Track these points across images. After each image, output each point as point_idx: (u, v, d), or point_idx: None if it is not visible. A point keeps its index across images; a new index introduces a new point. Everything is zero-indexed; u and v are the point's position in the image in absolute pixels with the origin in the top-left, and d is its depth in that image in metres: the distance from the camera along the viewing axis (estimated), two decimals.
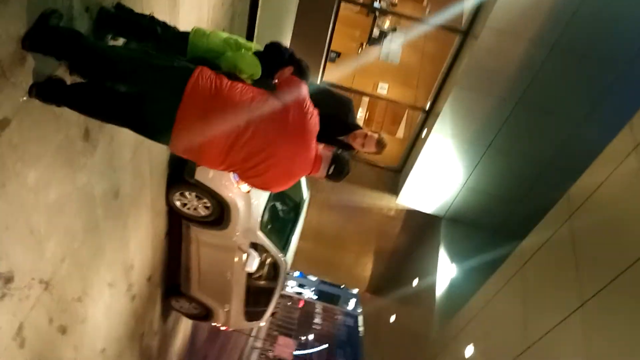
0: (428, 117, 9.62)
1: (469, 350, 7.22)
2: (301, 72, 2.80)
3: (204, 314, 6.89)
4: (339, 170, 2.69)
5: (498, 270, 7.22)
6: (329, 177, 2.69)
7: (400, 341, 11.28)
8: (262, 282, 6.45)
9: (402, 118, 12.01)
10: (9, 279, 2.77)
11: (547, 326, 5.49)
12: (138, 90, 2.39)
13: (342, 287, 47.40)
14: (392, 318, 12.48)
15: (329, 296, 48.11)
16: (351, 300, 47.29)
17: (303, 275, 47.48)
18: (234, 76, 2.57)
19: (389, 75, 12.31)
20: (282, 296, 36.00)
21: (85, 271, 3.79)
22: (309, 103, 2.60)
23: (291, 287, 45.86)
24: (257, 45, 3.18)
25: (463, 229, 10.24)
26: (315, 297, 48.43)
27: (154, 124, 2.43)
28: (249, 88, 2.49)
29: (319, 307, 46.25)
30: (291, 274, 39.12)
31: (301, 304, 44.43)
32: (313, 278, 48.45)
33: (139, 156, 4.07)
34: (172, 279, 6.43)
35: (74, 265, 3.54)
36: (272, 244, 5.82)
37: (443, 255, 9.79)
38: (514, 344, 5.98)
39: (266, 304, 6.86)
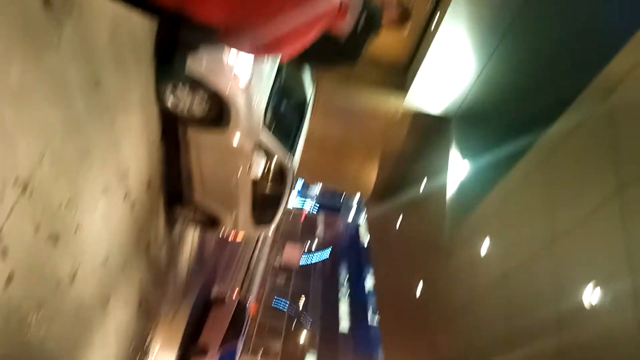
0: (438, 5, 8.76)
1: (486, 247, 7.02)
2: None
3: (210, 221, 6.57)
4: (370, 21, 2.09)
5: (520, 161, 6.81)
6: (355, 32, 2.10)
7: (409, 244, 11.22)
8: (269, 187, 6.06)
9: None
10: None
11: (579, 215, 5.16)
12: None
13: (342, 199, 48.09)
14: (399, 223, 12.38)
15: (330, 208, 48.83)
16: (351, 212, 48.09)
17: (302, 190, 47.97)
18: None
19: None
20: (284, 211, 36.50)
21: (71, 174, 3.32)
22: None
23: (292, 202, 46.43)
24: None
25: (475, 128, 9.74)
26: (317, 209, 49.15)
27: None
28: None
29: (320, 219, 47.07)
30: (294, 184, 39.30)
31: (302, 218, 45.18)
32: (313, 192, 48.96)
33: (118, 38, 3.46)
34: (174, 187, 6.03)
35: (56, 166, 3.06)
36: (277, 144, 5.34)
37: (454, 154, 9.38)
38: (539, 236, 5.71)
39: (274, 208, 6.53)
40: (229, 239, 16.47)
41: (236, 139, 4.97)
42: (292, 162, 5.68)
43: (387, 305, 13.34)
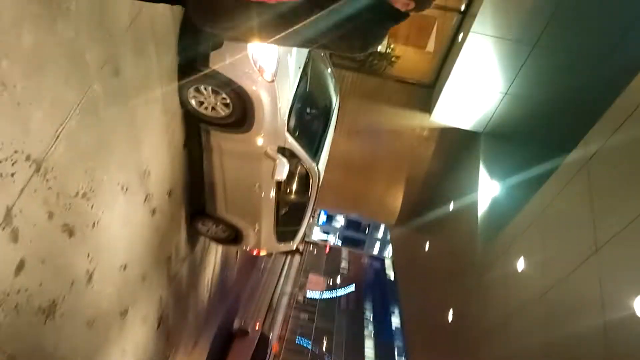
0: (464, 19, 8.63)
1: (522, 263, 6.61)
2: None
3: (233, 237, 6.35)
4: None
5: (555, 174, 6.50)
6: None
7: (439, 267, 10.77)
8: (292, 196, 5.85)
9: (431, 29, 10.99)
10: None
11: (623, 222, 4.79)
12: None
13: (366, 232, 47.54)
14: (427, 246, 11.95)
15: (354, 241, 48.24)
16: (376, 245, 47.37)
17: (327, 223, 47.59)
18: None
19: None
20: (308, 243, 36.11)
21: (89, 163, 3.17)
22: None
23: (316, 235, 46.03)
24: None
25: (505, 143, 9.44)
26: (340, 242, 48.58)
27: None
28: None
29: (344, 252, 46.43)
30: (317, 215, 38.82)
31: (327, 250, 44.63)
32: (338, 225, 48.53)
33: (140, 26, 3.36)
34: (196, 199, 5.87)
35: (73, 150, 2.92)
36: (302, 150, 5.15)
37: (483, 172, 9.05)
38: (580, 247, 5.32)
39: (298, 222, 6.29)
40: (252, 265, 16.18)
41: (260, 141, 4.80)
42: (317, 169, 5.47)
43: (416, 334, 12.76)
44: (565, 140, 7.57)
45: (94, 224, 3.45)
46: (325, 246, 44.26)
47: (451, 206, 10.35)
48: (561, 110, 8.75)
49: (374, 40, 2.19)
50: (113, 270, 4.07)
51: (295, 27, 2.11)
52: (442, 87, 9.10)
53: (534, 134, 9.26)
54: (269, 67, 4.28)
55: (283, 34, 2.15)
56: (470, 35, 8.12)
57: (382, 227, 44.84)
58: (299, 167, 5.41)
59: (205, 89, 4.36)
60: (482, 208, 8.54)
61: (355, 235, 48.53)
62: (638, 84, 5.51)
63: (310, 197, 5.97)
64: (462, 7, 8.58)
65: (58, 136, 2.74)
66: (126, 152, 3.77)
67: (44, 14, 2.35)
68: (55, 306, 3.20)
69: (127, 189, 3.91)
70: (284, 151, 5.02)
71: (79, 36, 2.68)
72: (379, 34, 2.17)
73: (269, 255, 16.70)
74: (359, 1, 2.10)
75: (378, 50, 10.64)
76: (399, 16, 2.13)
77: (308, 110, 5.40)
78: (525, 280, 6.43)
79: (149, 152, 4.22)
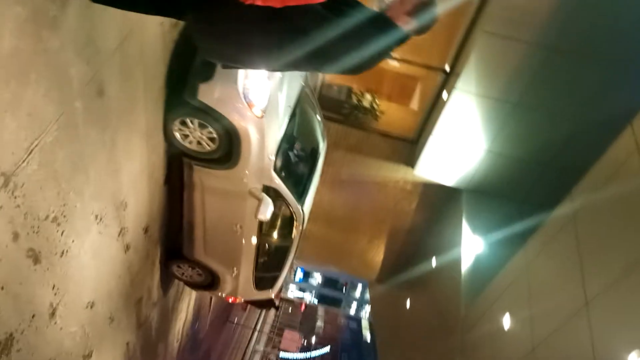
0: (449, 77, 8.85)
1: (508, 320, 6.41)
2: None
3: (209, 281, 6.05)
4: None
5: (540, 229, 6.46)
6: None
7: (421, 326, 10.44)
8: (274, 239, 5.64)
9: (414, 88, 11.24)
10: None
11: (612, 276, 4.70)
12: None
13: (343, 291, 46.57)
14: (409, 304, 11.65)
15: (331, 300, 47.13)
16: (353, 304, 46.30)
17: (303, 280, 46.59)
18: None
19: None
20: (283, 299, 35.02)
21: (63, 184, 2.97)
22: None
23: (292, 292, 44.91)
24: None
25: (487, 201, 9.45)
26: (317, 300, 47.42)
27: None
28: None
29: (321, 310, 45.25)
30: (294, 271, 37.85)
31: (302, 308, 43.46)
32: (314, 282, 47.53)
33: (128, 48, 3.27)
34: (173, 239, 5.62)
35: (46, 168, 2.73)
36: (288, 191, 5.01)
37: (466, 229, 8.99)
38: (568, 303, 5.19)
39: (279, 267, 6.04)
40: (225, 317, 15.53)
41: (245, 178, 4.65)
42: (302, 212, 5.31)
43: None
44: (548, 197, 7.61)
45: (62, 252, 3.20)
46: (301, 304, 43.16)
47: (434, 262, 10.19)
48: (543, 167, 8.87)
49: (371, 60, 2.13)
50: (79, 307, 3.76)
51: (298, 45, 2.04)
52: (426, 143, 9.19)
53: (517, 190, 9.31)
54: (259, 102, 4.22)
55: (285, 51, 2.09)
56: (454, 93, 8.29)
57: (360, 286, 44.17)
58: (283, 209, 5.25)
59: (191, 121, 4.25)
60: (465, 264, 8.40)
61: (332, 293, 47.52)
62: (621, 142, 5.62)
63: (293, 241, 5.76)
64: (447, 67, 8.81)
65: (32, 151, 2.56)
66: (104, 179, 3.57)
67: (30, 18, 2.24)
68: (12, 340, 2.89)
69: (101, 219, 3.69)
70: (268, 190, 4.87)
71: (64, 48, 2.57)
72: (377, 53, 2.11)
73: (244, 307, 16.12)
74: (360, 18, 2.06)
75: (363, 104, 10.81)
76: (399, 36, 2.09)
77: (295, 150, 5.30)
78: (512, 337, 6.22)
79: (127, 182, 4.03)
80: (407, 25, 2.05)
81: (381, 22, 2.04)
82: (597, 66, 7.32)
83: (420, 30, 2.09)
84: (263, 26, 2.00)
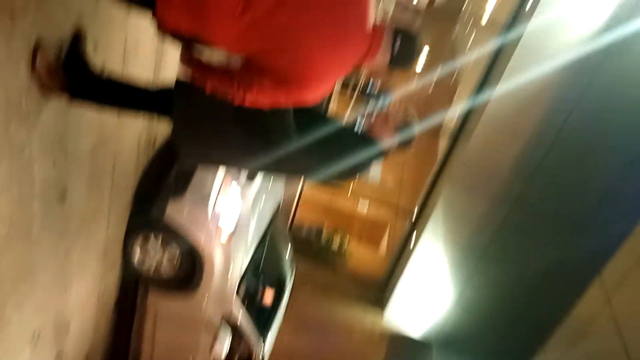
0: (415, 226, 9.03)
1: None
2: None
3: None
4: (407, 47, 1.82)
5: None
6: (394, 61, 1.81)
7: None
8: None
9: (383, 233, 11.41)
10: None
11: None
12: None
13: None
14: None
15: None
16: None
17: None
18: None
19: (368, 191, 12.01)
20: None
21: (2, 289, 2.68)
22: None
23: None
24: None
25: (458, 355, 9.02)
26: None
27: None
28: None
29: None
30: None
31: None
32: None
33: (100, 156, 3.23)
34: None
35: None
36: (249, 324, 4.67)
37: None
38: None
39: None
40: None
41: (203, 306, 4.33)
42: (263, 350, 4.89)
43: None
44: (520, 354, 7.32)
45: None
46: None
47: None
48: (514, 320, 8.64)
49: (352, 172, 2.14)
50: None
51: (281, 155, 2.04)
52: (394, 290, 9.05)
53: (488, 346, 8.95)
54: (227, 227, 4.12)
55: (265, 160, 2.08)
56: (422, 240, 8.39)
57: None
58: (242, 345, 4.83)
59: (155, 237, 4.07)
60: None
61: None
62: (588, 299, 5.61)
63: None
64: (415, 213, 9.05)
65: None
66: (49, 294, 3.26)
67: (1, 106, 2.20)
68: None
69: (38, 339, 3.28)
70: (227, 323, 4.53)
71: (31, 144, 2.50)
72: (357, 166, 2.13)
73: None
74: (345, 135, 2.11)
75: (332, 247, 10.79)
76: (379, 151, 2.13)
77: (261, 282, 5.07)
78: None
79: (75, 301, 3.70)
80: (389, 141, 2.10)
81: (364, 138, 2.10)
82: (560, 221, 7.57)
83: (400, 147, 2.14)
84: (248, 127, 2.01)
